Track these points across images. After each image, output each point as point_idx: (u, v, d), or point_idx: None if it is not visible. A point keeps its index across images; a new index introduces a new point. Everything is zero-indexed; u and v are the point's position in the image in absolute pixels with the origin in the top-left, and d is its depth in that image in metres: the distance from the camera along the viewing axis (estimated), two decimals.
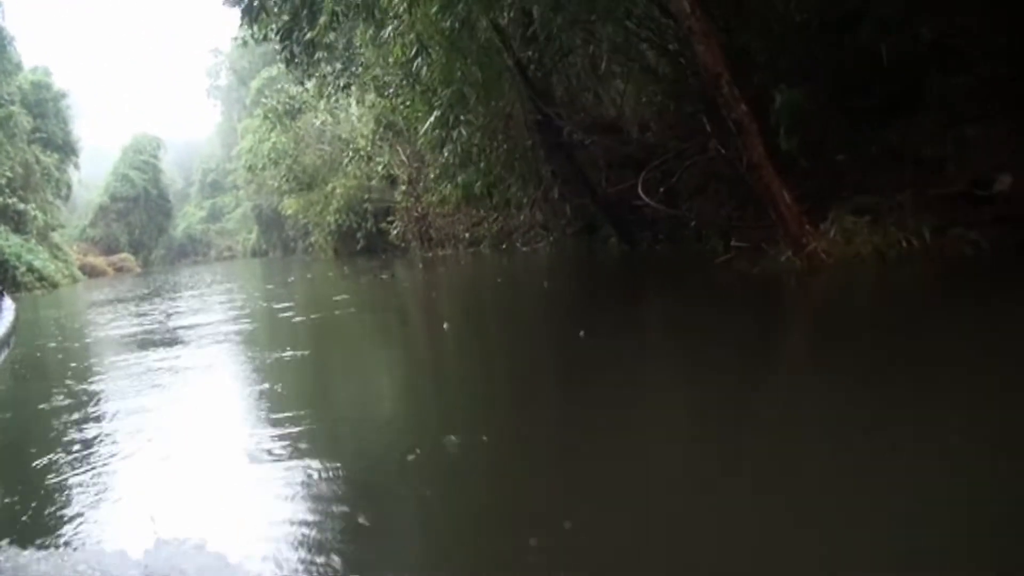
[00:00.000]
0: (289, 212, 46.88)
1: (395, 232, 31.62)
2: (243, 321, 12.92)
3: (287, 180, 43.38)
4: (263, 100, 43.61)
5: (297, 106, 41.61)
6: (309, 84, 42.23)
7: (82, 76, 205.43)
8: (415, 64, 14.29)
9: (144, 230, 74.11)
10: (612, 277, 14.47)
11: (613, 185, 18.11)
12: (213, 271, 46.71)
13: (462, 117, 14.23)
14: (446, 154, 15.82)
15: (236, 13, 21.10)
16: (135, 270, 65.32)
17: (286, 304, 15.83)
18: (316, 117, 42.44)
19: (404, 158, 30.94)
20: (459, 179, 16.13)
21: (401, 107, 19.37)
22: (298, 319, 13.04)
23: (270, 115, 41.70)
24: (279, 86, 41.97)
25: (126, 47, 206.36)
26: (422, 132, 16.25)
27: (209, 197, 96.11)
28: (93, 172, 75.95)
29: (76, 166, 56.17)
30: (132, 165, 73.57)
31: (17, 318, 3.90)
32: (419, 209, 30.14)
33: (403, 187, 31.48)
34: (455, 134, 14.46)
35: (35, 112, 49.99)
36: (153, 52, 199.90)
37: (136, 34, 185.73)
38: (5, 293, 4.18)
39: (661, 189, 16.21)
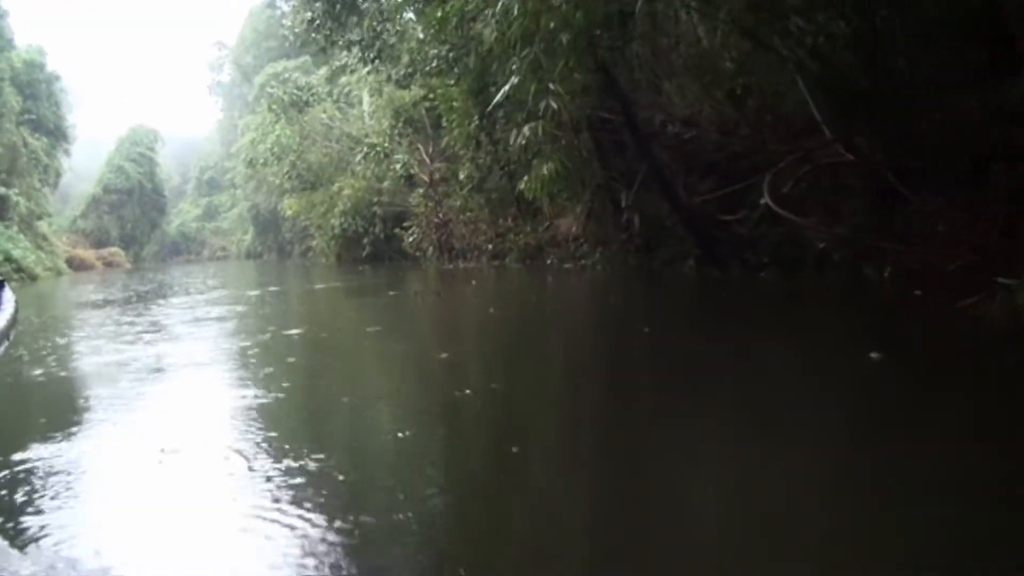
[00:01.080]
0: (289, 213, 43.39)
1: (410, 239, 28.07)
2: (258, 363, 8.76)
3: (289, 178, 39.91)
4: (269, 90, 40.04)
5: (305, 98, 38.22)
6: (322, 70, 39.77)
7: (81, 65, 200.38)
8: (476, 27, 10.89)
9: (136, 224, 70.51)
10: (764, 325, 8.81)
11: (691, 195, 14.80)
12: (206, 272, 43.07)
13: (552, 86, 10.75)
14: (521, 136, 12.31)
15: (243, 4, 17.64)
16: (124, 265, 61.79)
17: (305, 329, 12.33)
18: (324, 112, 39.14)
19: (425, 157, 27.55)
20: (547, 167, 12.60)
21: (442, 91, 15.91)
22: (338, 367, 8.65)
23: (275, 106, 38.28)
24: (286, 76, 38.44)
25: (127, 38, 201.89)
26: (490, 107, 12.85)
27: (205, 195, 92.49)
28: (88, 164, 72.92)
29: (67, 153, 53.29)
30: (128, 157, 70.07)
31: (17, 310, 3.52)
32: (439, 215, 26.71)
33: (421, 190, 28.00)
34: (542, 105, 10.90)
35: (26, 93, 46.62)
36: (155, 45, 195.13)
37: (138, 26, 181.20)
38: (6, 284, 3.89)
39: (762, 200, 12.89)
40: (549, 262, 22.67)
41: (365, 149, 29.01)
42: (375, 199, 34.93)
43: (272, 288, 23.80)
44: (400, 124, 28.04)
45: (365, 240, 35.89)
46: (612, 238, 16.89)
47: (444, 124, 22.82)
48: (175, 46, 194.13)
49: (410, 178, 27.73)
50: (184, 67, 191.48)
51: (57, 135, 50.21)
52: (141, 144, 71.26)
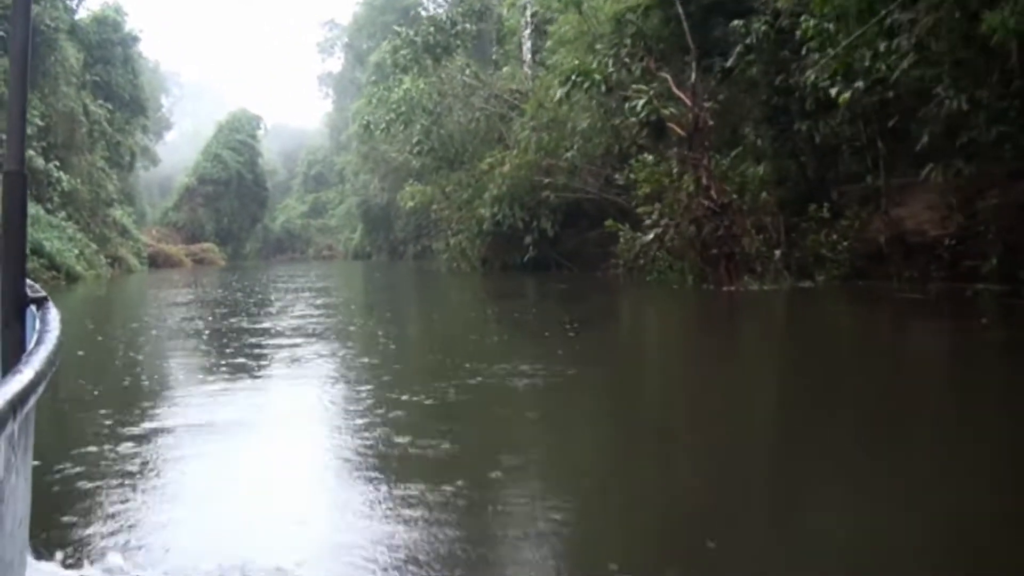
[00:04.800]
0: (410, 204, 31.42)
1: (649, 238, 14.93)
2: None
3: (419, 151, 28.00)
4: (396, 28, 27.79)
5: (445, 43, 25.96)
6: None
7: (186, 55, 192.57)
8: None
9: (234, 218, 59.89)
10: None
11: None
12: (315, 274, 32.55)
13: None
14: None
15: None
16: (218, 263, 51.29)
17: None
18: (469, 65, 26.90)
19: (682, 93, 14.79)
20: None
21: None
22: None
23: (404, 51, 26.17)
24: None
25: (234, 21, 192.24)
26: None
27: (312, 191, 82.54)
28: (191, 156, 63.47)
29: (145, 129, 43.06)
30: (226, 144, 59.51)
31: (61, 341, 2.09)
32: (712, 194, 13.82)
33: (674, 155, 15.13)
34: None
35: (96, 55, 36.02)
36: (263, 29, 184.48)
37: (247, 15, 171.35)
38: (49, 300, 2.52)
39: None
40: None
41: (571, 83, 16.09)
42: (545, 180, 22.44)
43: (427, 321, 11.69)
44: (628, 39, 15.44)
45: (527, 239, 23.55)
46: None
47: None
48: (284, 29, 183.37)
49: (656, 125, 14.71)
50: (294, 54, 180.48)
51: (134, 108, 39.57)
52: (242, 131, 60.89)
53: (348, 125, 56.29)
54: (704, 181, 14.08)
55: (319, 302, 15.14)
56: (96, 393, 5.77)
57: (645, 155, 16.40)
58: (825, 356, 6.98)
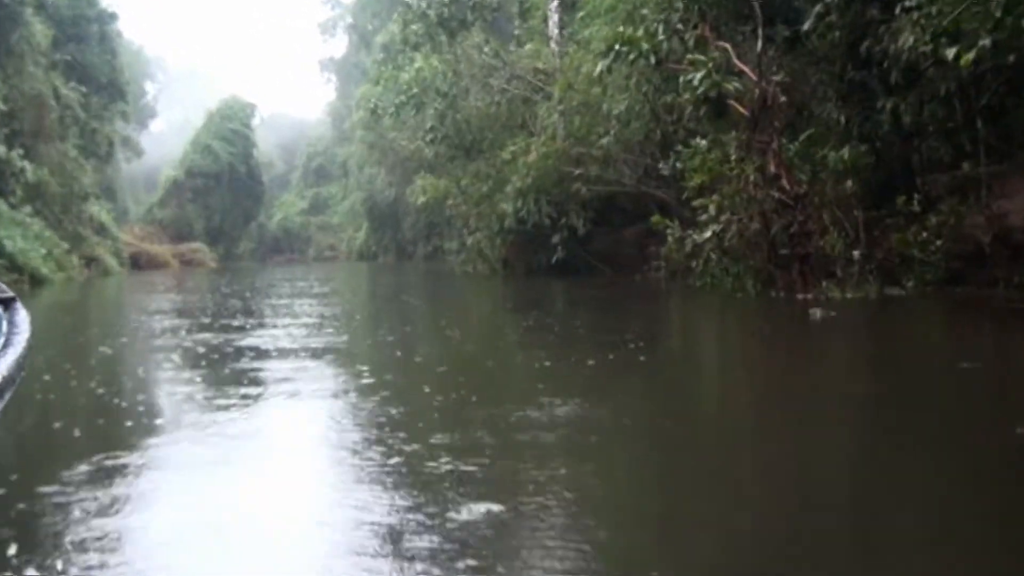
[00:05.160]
0: (421, 199, 30.83)
1: (706, 235, 13.82)
2: None
3: (432, 139, 27.27)
4: (406, 0, 26.99)
5: (460, 18, 25.15)
6: None
7: (174, 40, 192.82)
8: None
9: (226, 216, 59.77)
10: None
11: None
12: (316, 277, 31.52)
13: None
14: None
15: None
16: (208, 265, 51.30)
17: None
18: (488, 41, 26.10)
19: (745, 66, 13.83)
20: None
21: None
22: None
23: (415, 26, 25.48)
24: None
25: (227, 9, 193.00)
26: None
27: (313, 186, 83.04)
28: (180, 148, 63.96)
29: (125, 117, 42.85)
30: (217, 134, 59.41)
31: (31, 341, 2.64)
32: (783, 187, 12.83)
33: (732, 139, 14.11)
34: None
35: (68, 33, 36.00)
36: (259, 16, 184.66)
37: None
38: (18, 300, 3.03)
39: None
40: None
41: (613, 55, 15.06)
42: (575, 171, 21.62)
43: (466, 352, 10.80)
44: (680, 4, 14.51)
45: (555, 238, 22.68)
46: None
47: None
48: (281, 10, 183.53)
49: (715, 101, 13.62)
50: (292, 38, 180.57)
51: (112, 92, 39.22)
52: (235, 119, 60.79)
53: (352, 113, 55.98)
54: (773, 168, 13.09)
55: (317, 313, 14.32)
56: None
57: (698, 140, 15.40)
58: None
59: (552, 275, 22.65)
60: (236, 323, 12.05)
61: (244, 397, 6.05)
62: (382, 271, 41.58)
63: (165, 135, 78.63)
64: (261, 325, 12.03)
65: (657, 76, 17.45)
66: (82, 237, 32.33)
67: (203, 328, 11.28)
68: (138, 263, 42.93)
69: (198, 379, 7.05)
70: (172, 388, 6.63)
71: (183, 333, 10.67)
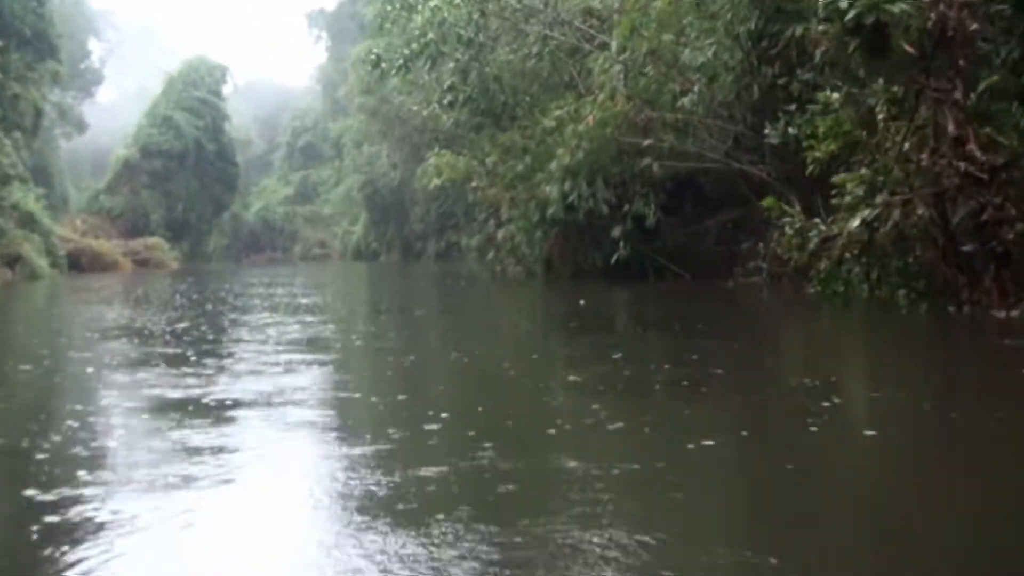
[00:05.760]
0: (435, 181, 30.30)
1: (854, 224, 11.72)
2: None
3: (451, 103, 26.46)
4: None
5: None
6: None
7: None
8: None
9: (192, 205, 60.09)
10: None
11: None
12: (301, 282, 30.44)
13: None
14: None
15: None
16: (168, 265, 51.22)
17: None
18: None
19: None
20: None
21: None
22: None
23: None
24: None
25: None
26: None
27: (299, 168, 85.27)
28: (134, 122, 65.20)
29: (59, 80, 43.14)
30: (180, 104, 59.68)
31: None
32: (971, 156, 10.77)
33: (876, 91, 12.18)
34: None
35: None
36: None
37: None
38: None
39: None
40: None
41: None
42: (643, 142, 20.26)
43: None
44: None
45: (616, 231, 21.49)
46: None
47: None
48: None
49: (864, 39, 11.59)
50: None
51: (40, 48, 38.81)
52: (201, 85, 61.70)
53: (348, 77, 55.36)
54: (953, 128, 10.81)
55: (300, 338, 11.95)
56: None
57: (828, 93, 13.38)
58: None
59: (608, 279, 21.67)
60: (199, 352, 9.69)
61: None
62: (386, 274, 41.63)
63: (116, 106, 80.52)
64: (220, 369, 9.55)
65: (757, 12, 16.62)
66: (1, 230, 31.56)
67: (131, 365, 8.92)
68: (79, 264, 42.91)
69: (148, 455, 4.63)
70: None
71: (92, 382, 8.31)
